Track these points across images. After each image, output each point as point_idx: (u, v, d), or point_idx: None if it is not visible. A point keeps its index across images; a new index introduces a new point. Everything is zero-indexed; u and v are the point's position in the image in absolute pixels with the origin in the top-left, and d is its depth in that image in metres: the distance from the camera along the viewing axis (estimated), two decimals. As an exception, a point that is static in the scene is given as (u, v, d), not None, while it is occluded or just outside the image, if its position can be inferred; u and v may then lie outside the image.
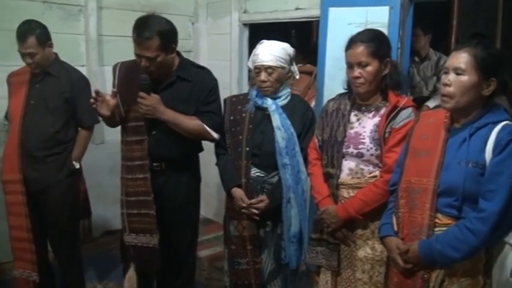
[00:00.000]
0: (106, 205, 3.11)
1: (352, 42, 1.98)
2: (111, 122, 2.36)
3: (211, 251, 3.73)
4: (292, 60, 2.36)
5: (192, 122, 2.32)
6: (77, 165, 2.77)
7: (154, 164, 2.33)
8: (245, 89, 3.95)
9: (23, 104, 2.65)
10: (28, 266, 2.65)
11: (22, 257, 2.67)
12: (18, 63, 2.71)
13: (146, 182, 2.30)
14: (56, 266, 2.92)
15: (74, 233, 2.86)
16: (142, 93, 2.21)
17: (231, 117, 2.40)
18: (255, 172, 2.33)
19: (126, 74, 2.35)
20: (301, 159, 2.28)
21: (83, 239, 2.97)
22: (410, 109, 1.96)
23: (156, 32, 2.15)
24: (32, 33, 2.54)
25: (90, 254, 3.27)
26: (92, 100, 2.21)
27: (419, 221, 1.68)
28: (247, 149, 2.31)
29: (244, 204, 2.30)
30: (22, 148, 2.64)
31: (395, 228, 1.79)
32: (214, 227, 4.05)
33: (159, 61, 2.21)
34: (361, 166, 2.02)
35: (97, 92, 2.20)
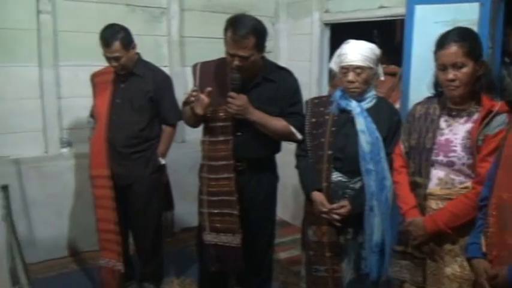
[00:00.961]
0: (185, 202, 3.17)
1: (444, 42, 1.84)
2: (197, 122, 2.39)
3: (288, 254, 3.67)
4: (378, 60, 2.26)
5: (279, 123, 2.30)
6: (163, 161, 2.86)
7: (237, 164, 2.33)
8: (325, 90, 3.88)
9: (109, 103, 2.76)
10: (114, 256, 2.77)
11: (109, 247, 2.79)
12: (101, 63, 2.84)
13: (230, 182, 2.30)
14: (136, 259, 3.04)
15: (157, 227, 2.95)
16: (232, 93, 2.20)
17: (313, 120, 2.34)
18: (336, 176, 2.25)
19: (214, 75, 2.35)
20: (386, 166, 2.17)
21: (165, 233, 3.04)
22: (505, 115, 1.80)
23: (252, 31, 2.13)
24: (116, 38, 2.62)
25: (169, 249, 3.35)
26: (191, 98, 2.23)
27: (510, 243, 1.53)
28: (330, 152, 2.24)
29: (324, 209, 2.22)
30: (109, 145, 2.74)
31: (484, 249, 1.64)
32: (291, 230, 4.00)
33: (252, 60, 2.19)
34: (452, 176, 1.88)
35: (195, 91, 2.23)
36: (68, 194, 3.49)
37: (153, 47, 3.73)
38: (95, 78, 2.90)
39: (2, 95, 3.26)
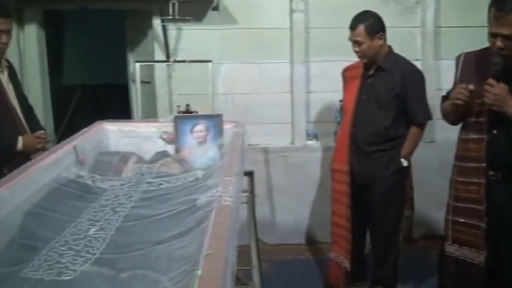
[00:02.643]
0: (429, 207, 2.95)
1: None
2: (457, 117, 2.16)
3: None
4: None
5: None
6: (405, 163, 2.67)
7: (490, 173, 2.01)
8: None
9: (356, 98, 2.71)
10: (342, 252, 2.77)
11: (339, 242, 2.80)
12: (350, 59, 2.82)
13: (480, 188, 2.01)
14: (371, 258, 2.94)
15: (394, 231, 2.80)
16: (491, 80, 1.90)
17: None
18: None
19: (476, 66, 2.08)
20: None
21: (403, 238, 2.87)
22: None
23: None
24: (362, 22, 2.56)
25: (407, 255, 3.15)
26: (459, 95, 2.02)
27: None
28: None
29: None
30: (352, 141, 2.71)
31: None
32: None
33: None
34: None
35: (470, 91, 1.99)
36: (310, 184, 3.62)
37: (405, 39, 3.54)
38: (345, 72, 2.88)
39: (257, 89, 3.59)
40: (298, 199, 3.63)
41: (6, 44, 2.30)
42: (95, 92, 5.95)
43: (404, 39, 3.50)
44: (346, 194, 2.69)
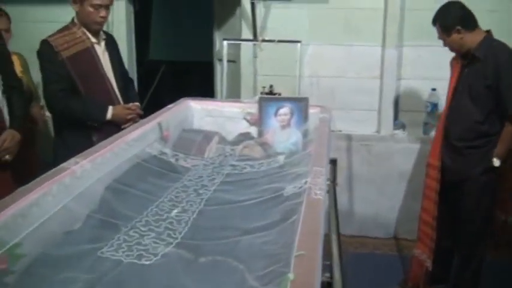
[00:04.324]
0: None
1: None
2: None
3: None
4: None
5: None
6: (497, 163, 2.41)
7: None
8: None
9: (453, 89, 2.52)
10: (426, 251, 2.69)
11: (424, 240, 2.72)
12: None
13: None
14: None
15: (480, 234, 2.58)
16: None
17: None
18: None
19: None
20: None
21: (493, 242, 2.65)
22: None
23: None
24: (438, 19, 2.46)
25: (495, 262, 2.90)
26: None
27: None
28: None
29: None
30: (445, 135, 2.53)
31: None
32: None
33: None
34: None
35: None
36: (394, 177, 3.42)
37: (506, 23, 3.16)
38: (453, 60, 2.64)
39: (343, 72, 3.42)
40: (380, 191, 3.45)
41: (104, 18, 2.36)
42: (178, 68, 6.04)
43: (504, 23, 3.08)
44: (435, 190, 2.56)
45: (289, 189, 1.46)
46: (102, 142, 1.63)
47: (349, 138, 3.42)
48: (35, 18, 3.53)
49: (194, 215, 1.43)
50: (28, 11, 3.56)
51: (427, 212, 2.65)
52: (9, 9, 3.03)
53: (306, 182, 1.36)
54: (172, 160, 1.84)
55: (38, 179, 1.26)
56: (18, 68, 2.81)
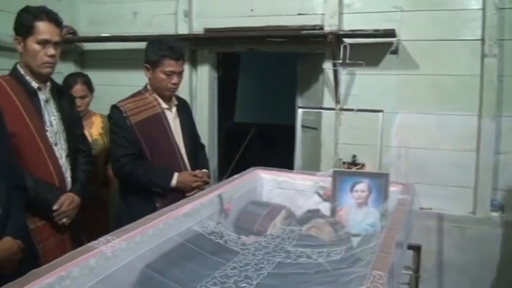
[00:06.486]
0: None
1: None
2: None
3: None
4: None
5: None
6: None
7: None
8: None
9: None
10: None
11: None
12: None
13: None
14: None
15: None
16: None
17: None
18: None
19: None
20: None
21: None
22: None
23: None
24: None
25: None
26: None
27: None
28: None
29: None
30: None
31: None
32: None
33: None
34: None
35: None
36: (489, 266, 2.94)
37: None
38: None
39: (436, 144, 3.09)
40: (474, 282, 2.97)
41: (176, 85, 2.36)
42: (264, 131, 6.02)
43: None
44: None
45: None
46: (146, 217, 1.50)
47: (440, 217, 3.03)
48: (116, 81, 3.70)
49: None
50: (112, 75, 3.77)
51: None
52: (96, 73, 3.16)
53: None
54: (221, 241, 1.63)
55: (58, 259, 1.14)
56: (98, 129, 2.88)
